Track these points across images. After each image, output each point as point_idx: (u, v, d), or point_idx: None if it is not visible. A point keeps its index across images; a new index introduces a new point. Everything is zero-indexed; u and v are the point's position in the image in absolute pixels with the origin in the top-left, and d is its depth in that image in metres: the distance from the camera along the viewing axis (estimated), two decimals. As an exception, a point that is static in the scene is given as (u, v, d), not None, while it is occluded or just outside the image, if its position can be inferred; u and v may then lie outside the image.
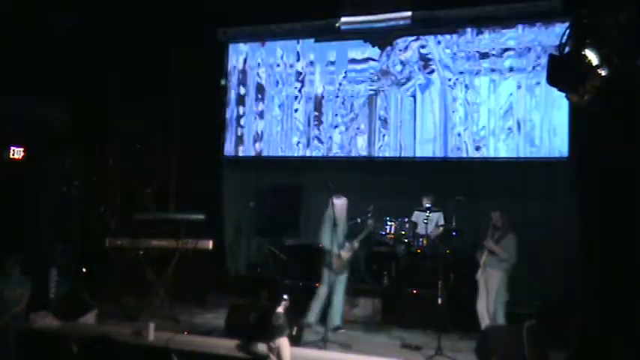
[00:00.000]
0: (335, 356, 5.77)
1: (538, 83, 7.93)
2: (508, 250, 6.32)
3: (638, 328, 4.88)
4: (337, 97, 9.11)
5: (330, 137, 9.12)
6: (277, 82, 9.46)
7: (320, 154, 9.19)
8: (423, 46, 8.68)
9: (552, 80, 4.11)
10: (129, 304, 8.01)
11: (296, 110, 9.35)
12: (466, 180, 8.32)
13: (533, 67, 7.97)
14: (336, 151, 9.07)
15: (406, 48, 8.77)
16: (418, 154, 8.64)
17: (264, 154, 9.51)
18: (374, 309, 7.52)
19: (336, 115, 9.10)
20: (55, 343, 6.10)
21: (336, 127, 9.09)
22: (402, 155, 8.72)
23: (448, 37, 8.53)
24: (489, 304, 6.37)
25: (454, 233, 7.59)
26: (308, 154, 9.28)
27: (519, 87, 8.09)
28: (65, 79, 8.69)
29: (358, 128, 8.96)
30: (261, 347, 5.41)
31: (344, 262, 6.79)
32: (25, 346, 6.21)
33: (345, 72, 9.07)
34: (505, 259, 6.32)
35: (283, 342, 5.18)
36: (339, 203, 6.82)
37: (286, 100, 9.40)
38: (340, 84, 9.10)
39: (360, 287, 7.81)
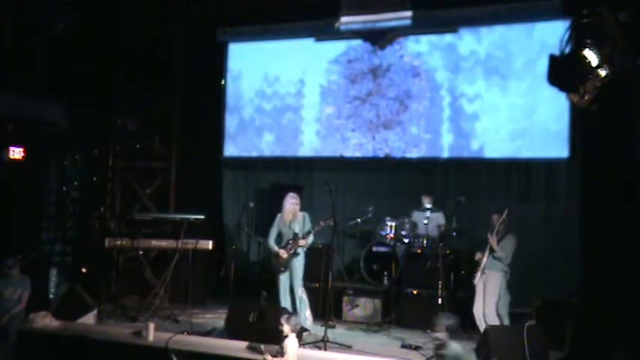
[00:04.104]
0: (335, 356, 5.76)
1: (538, 83, 7.92)
2: (505, 250, 6.33)
3: (636, 328, 4.88)
4: (337, 96, 9.10)
5: (330, 137, 9.11)
6: (277, 82, 9.44)
7: (320, 154, 9.18)
8: (423, 46, 8.68)
9: (552, 80, 4.11)
10: (129, 304, 8.02)
11: (296, 110, 9.34)
12: (466, 180, 8.32)
13: (533, 67, 7.95)
14: (335, 151, 9.05)
15: (406, 47, 8.77)
16: (418, 154, 8.63)
17: (264, 154, 9.51)
18: (374, 309, 7.52)
19: (336, 114, 9.09)
20: (55, 343, 6.10)
21: (335, 126, 9.08)
22: (403, 155, 8.71)
23: (448, 36, 8.53)
24: (487, 307, 6.36)
25: (454, 233, 7.59)
26: (308, 154, 9.27)
27: (519, 86, 8.08)
28: (65, 79, 8.69)
29: (358, 128, 8.95)
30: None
31: (284, 262, 6.74)
32: (25, 346, 6.20)
33: (345, 72, 9.06)
34: (500, 258, 6.32)
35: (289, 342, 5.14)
36: (287, 202, 6.82)
37: (286, 99, 9.39)
38: (340, 83, 9.09)
39: (360, 287, 7.82)
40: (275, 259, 6.79)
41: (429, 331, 6.82)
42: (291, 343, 5.09)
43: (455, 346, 4.30)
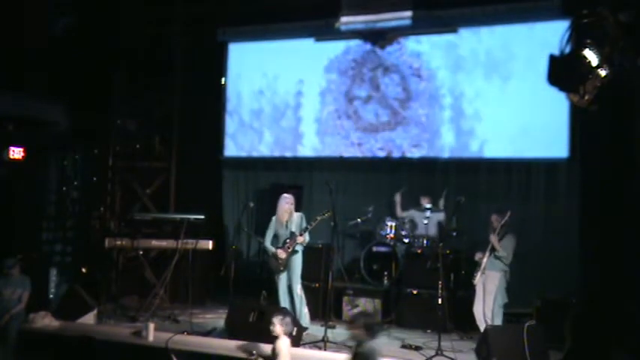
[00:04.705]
0: (335, 356, 5.77)
1: (538, 83, 7.89)
2: (506, 250, 6.35)
3: (636, 328, 4.88)
4: (337, 96, 9.09)
5: (330, 137, 9.10)
6: (277, 82, 9.42)
7: (320, 154, 9.18)
8: (423, 46, 8.68)
9: (552, 80, 4.11)
10: (129, 304, 8.01)
11: (296, 110, 9.34)
12: (466, 180, 8.32)
13: (533, 67, 7.94)
14: (335, 151, 9.05)
15: (406, 47, 8.77)
16: (418, 154, 8.63)
17: (264, 154, 9.50)
18: (374, 309, 7.52)
19: (336, 114, 9.08)
20: (54, 343, 6.11)
21: (335, 126, 9.08)
22: (403, 155, 8.71)
23: (448, 36, 8.52)
24: (486, 307, 6.36)
25: (454, 233, 7.59)
26: (308, 154, 9.26)
27: (519, 86, 8.07)
28: (65, 79, 8.69)
29: (358, 128, 8.95)
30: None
31: (283, 261, 6.71)
32: (25, 346, 6.21)
33: (345, 72, 9.06)
34: (501, 257, 6.33)
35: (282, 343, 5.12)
36: (282, 203, 6.81)
37: (286, 99, 9.38)
38: (340, 83, 9.08)
39: (360, 287, 7.82)
40: (273, 260, 6.77)
41: (428, 330, 6.84)
42: (283, 344, 5.05)
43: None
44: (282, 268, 6.74)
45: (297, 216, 6.84)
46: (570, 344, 5.67)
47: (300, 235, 6.66)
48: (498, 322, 6.39)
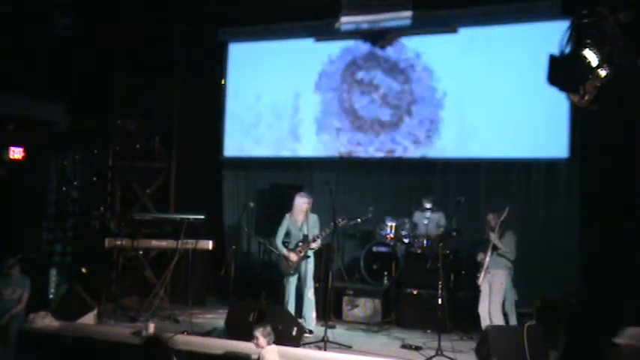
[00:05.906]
0: (335, 356, 5.77)
1: (538, 83, 7.89)
2: (508, 246, 6.36)
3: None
4: (337, 96, 9.09)
5: (330, 137, 9.11)
6: (276, 82, 9.41)
7: (320, 154, 9.18)
8: (423, 46, 8.68)
9: (552, 80, 4.12)
10: (129, 304, 8.01)
11: (296, 110, 9.34)
12: (466, 180, 8.32)
13: (533, 67, 7.93)
14: (336, 151, 9.06)
15: (406, 47, 8.77)
16: (418, 154, 8.63)
17: (264, 154, 9.50)
18: (374, 309, 7.52)
19: (336, 114, 9.08)
20: (55, 343, 6.10)
21: (335, 127, 9.08)
22: (403, 155, 8.71)
23: (448, 36, 8.52)
24: (492, 306, 6.36)
25: (454, 233, 7.59)
26: (308, 154, 9.26)
27: (519, 86, 8.06)
28: (65, 79, 8.69)
29: (358, 128, 8.95)
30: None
31: (293, 264, 6.69)
32: (25, 346, 6.21)
33: (345, 72, 9.06)
34: (505, 253, 6.33)
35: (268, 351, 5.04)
36: (299, 202, 6.77)
37: (286, 99, 9.38)
38: (339, 83, 9.08)
39: (360, 287, 7.82)
40: (284, 262, 6.74)
41: (428, 330, 6.83)
42: (270, 353, 4.92)
43: None
44: (292, 271, 6.72)
45: (312, 218, 6.79)
46: (566, 343, 5.68)
47: (314, 240, 6.64)
48: (513, 319, 6.43)
